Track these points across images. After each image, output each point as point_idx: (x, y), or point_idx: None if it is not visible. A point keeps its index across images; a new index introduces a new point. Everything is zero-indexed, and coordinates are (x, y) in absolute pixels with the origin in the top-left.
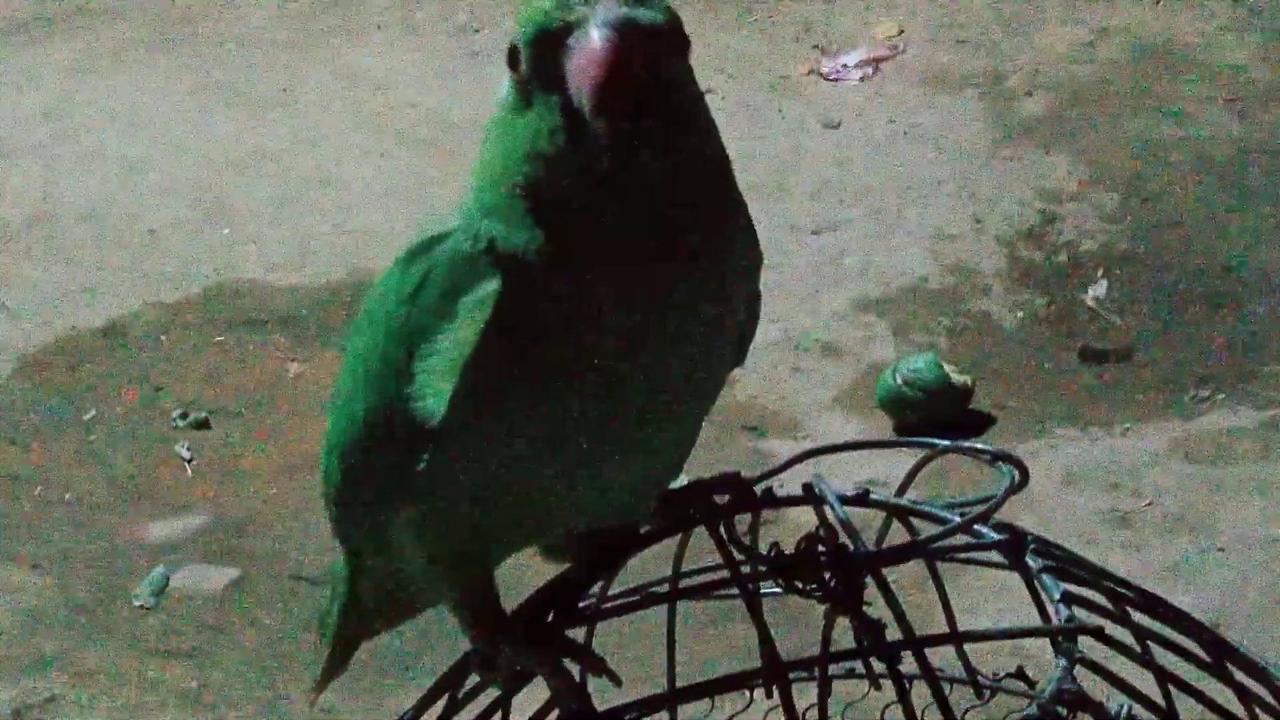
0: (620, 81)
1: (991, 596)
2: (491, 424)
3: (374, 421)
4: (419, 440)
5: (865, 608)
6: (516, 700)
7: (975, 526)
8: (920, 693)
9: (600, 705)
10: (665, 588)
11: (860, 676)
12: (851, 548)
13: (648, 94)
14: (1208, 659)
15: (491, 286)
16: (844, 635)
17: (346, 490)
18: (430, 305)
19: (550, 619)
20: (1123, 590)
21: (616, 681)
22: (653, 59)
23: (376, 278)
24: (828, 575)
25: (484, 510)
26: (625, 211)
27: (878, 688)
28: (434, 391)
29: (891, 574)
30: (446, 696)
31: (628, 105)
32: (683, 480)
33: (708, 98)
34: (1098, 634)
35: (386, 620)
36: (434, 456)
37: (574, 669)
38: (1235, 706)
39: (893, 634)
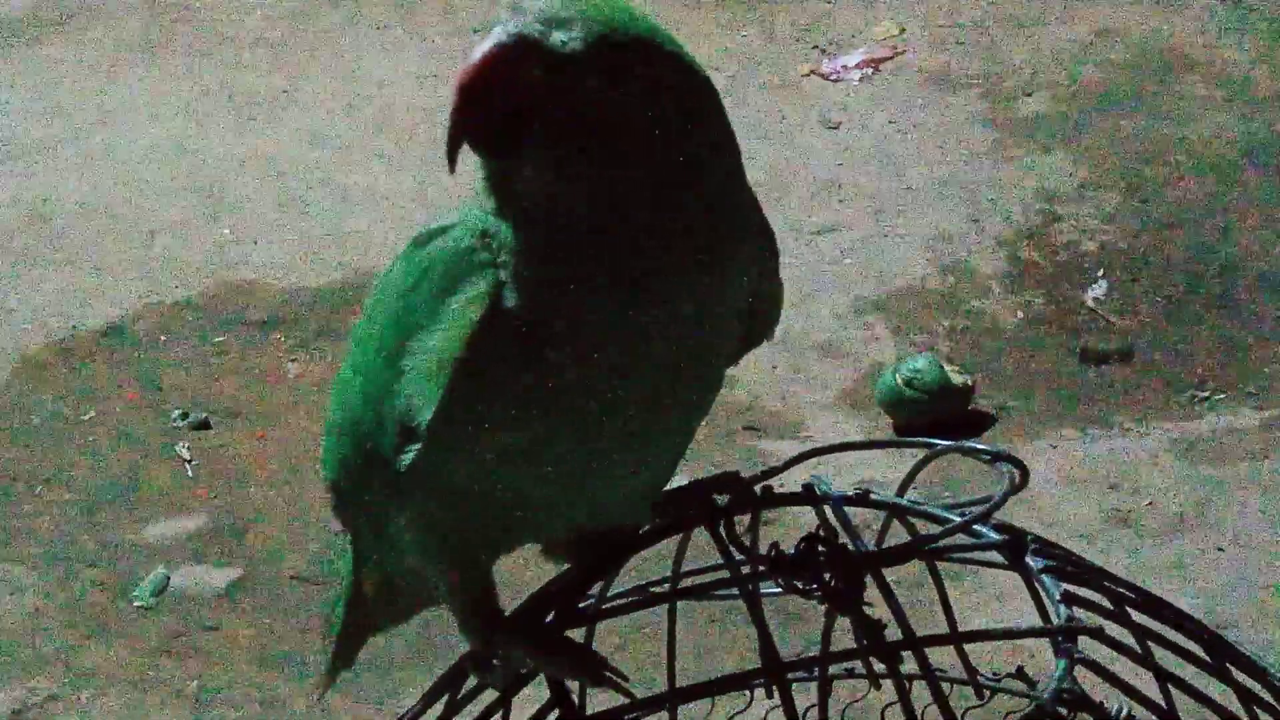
0: (471, 92)
1: (991, 596)
2: (478, 427)
3: (367, 413)
4: (408, 436)
5: (865, 608)
6: (516, 700)
7: (975, 526)
8: (920, 693)
9: (600, 705)
10: (665, 588)
11: (860, 676)
12: (851, 548)
13: (513, 112)
14: (1208, 659)
15: (482, 286)
16: (844, 635)
17: (342, 479)
18: (425, 300)
19: (550, 619)
20: (1123, 590)
21: (625, 683)
22: (523, 78)
23: (385, 267)
24: (828, 575)
25: (475, 509)
26: (579, 220)
27: (878, 688)
28: (420, 390)
29: (891, 574)
30: (446, 696)
31: (479, 117)
32: (682, 480)
33: None
34: (1098, 634)
35: (388, 616)
36: (422, 453)
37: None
38: (1235, 706)
39: (893, 634)
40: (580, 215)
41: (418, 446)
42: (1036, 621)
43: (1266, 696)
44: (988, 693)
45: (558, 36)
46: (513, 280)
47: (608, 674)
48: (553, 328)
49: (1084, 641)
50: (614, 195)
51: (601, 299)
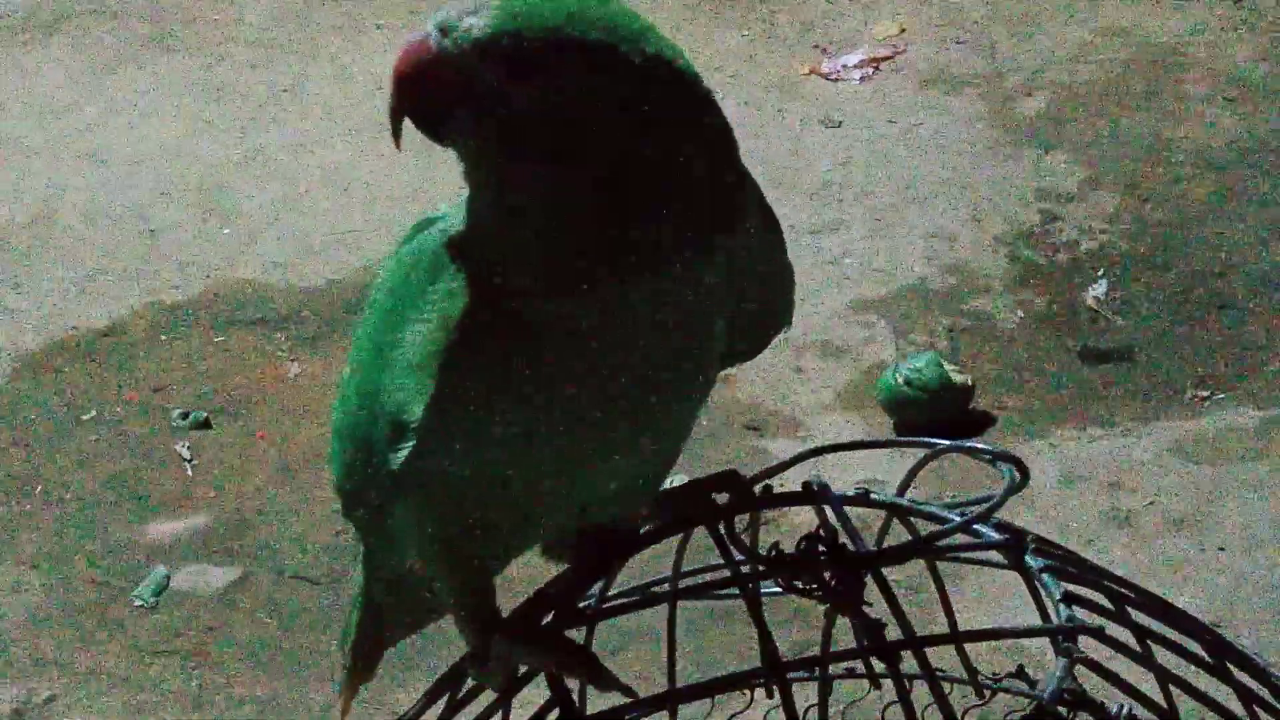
0: (402, 77)
1: (991, 596)
2: (468, 420)
3: (363, 412)
4: (399, 433)
5: (865, 608)
6: (516, 700)
7: (975, 526)
8: (920, 693)
9: (600, 705)
10: (665, 588)
11: (860, 676)
12: (851, 548)
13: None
14: (1208, 659)
15: (464, 278)
16: (844, 635)
17: (346, 481)
18: (413, 294)
19: (550, 619)
20: (1123, 590)
21: (622, 685)
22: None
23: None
24: (828, 575)
25: (470, 505)
26: (541, 207)
27: (878, 688)
28: (407, 385)
29: (891, 574)
30: (446, 696)
31: (415, 101)
32: (681, 480)
33: None
34: (1098, 634)
35: (402, 626)
36: (414, 449)
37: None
38: (1235, 706)
39: (893, 634)
40: (540, 203)
41: (409, 443)
42: (1036, 621)
43: (1267, 696)
44: (988, 693)
45: (467, 23)
46: (494, 270)
47: (606, 675)
48: (532, 317)
49: (1084, 641)
50: (557, 184)
51: (578, 287)
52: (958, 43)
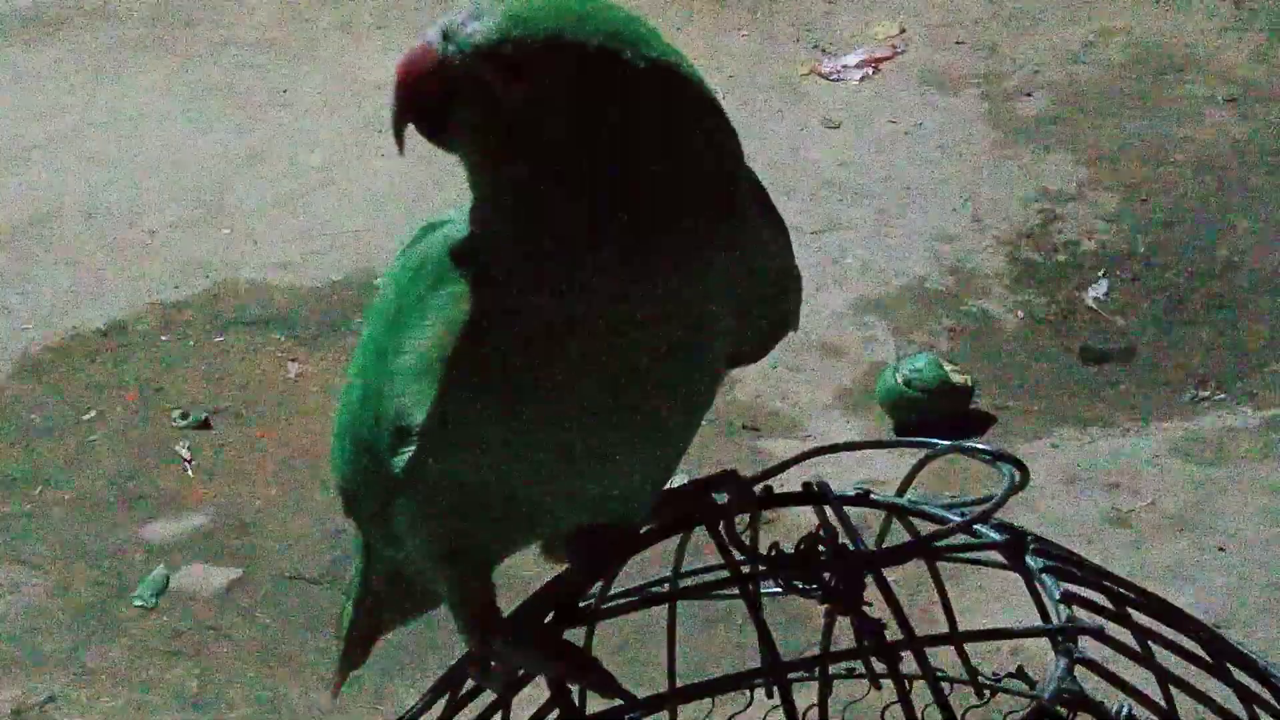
0: (405, 81)
1: (991, 596)
2: (470, 425)
3: (366, 415)
4: (401, 437)
5: (865, 608)
6: (516, 700)
7: (975, 526)
8: (920, 693)
9: (600, 705)
10: (665, 588)
11: (860, 676)
12: (851, 548)
13: (430, 99)
14: (1208, 659)
15: (466, 282)
16: (844, 635)
17: (348, 482)
18: (416, 298)
19: (549, 619)
20: (1123, 590)
21: (617, 689)
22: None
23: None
24: (828, 575)
25: (473, 507)
26: (539, 209)
27: (878, 688)
28: (410, 390)
29: (891, 574)
30: (446, 696)
31: (419, 105)
32: (681, 480)
33: None
34: (1098, 634)
35: (398, 613)
36: (416, 454)
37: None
38: (1235, 706)
39: (893, 634)
40: (542, 207)
41: (411, 447)
42: (1036, 621)
43: (1267, 696)
44: (988, 693)
45: (470, 28)
46: (495, 274)
47: (602, 679)
48: (535, 321)
49: (1084, 641)
50: (559, 188)
51: (581, 290)
52: (958, 43)
